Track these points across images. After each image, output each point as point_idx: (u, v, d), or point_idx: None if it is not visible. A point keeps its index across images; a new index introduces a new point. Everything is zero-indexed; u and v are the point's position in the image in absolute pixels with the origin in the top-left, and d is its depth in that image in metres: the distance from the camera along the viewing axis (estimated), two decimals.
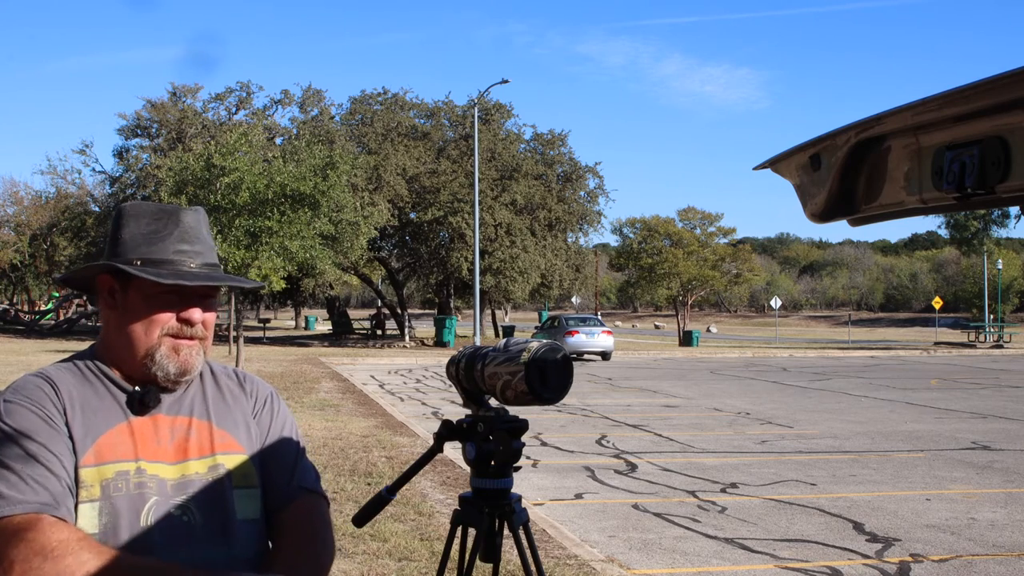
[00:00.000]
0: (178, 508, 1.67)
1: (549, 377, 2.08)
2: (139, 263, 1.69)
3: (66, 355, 1.84)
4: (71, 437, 1.63)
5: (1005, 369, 28.36)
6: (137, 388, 1.72)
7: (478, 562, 2.21)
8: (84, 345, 1.98)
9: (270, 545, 1.82)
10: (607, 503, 8.28)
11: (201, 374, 1.83)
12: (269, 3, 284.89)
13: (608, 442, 11.93)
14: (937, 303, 50.33)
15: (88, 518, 1.61)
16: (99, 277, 1.75)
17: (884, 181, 1.38)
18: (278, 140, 39.69)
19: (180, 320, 1.71)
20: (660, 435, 12.65)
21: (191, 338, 1.73)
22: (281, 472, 1.85)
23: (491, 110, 41.18)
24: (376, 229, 33.66)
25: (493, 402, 2.21)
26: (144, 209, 1.75)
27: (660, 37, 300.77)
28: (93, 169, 61.18)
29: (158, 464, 1.69)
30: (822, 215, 1.48)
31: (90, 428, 1.66)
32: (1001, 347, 42.95)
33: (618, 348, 34.82)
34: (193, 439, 1.74)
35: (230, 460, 1.76)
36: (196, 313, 1.72)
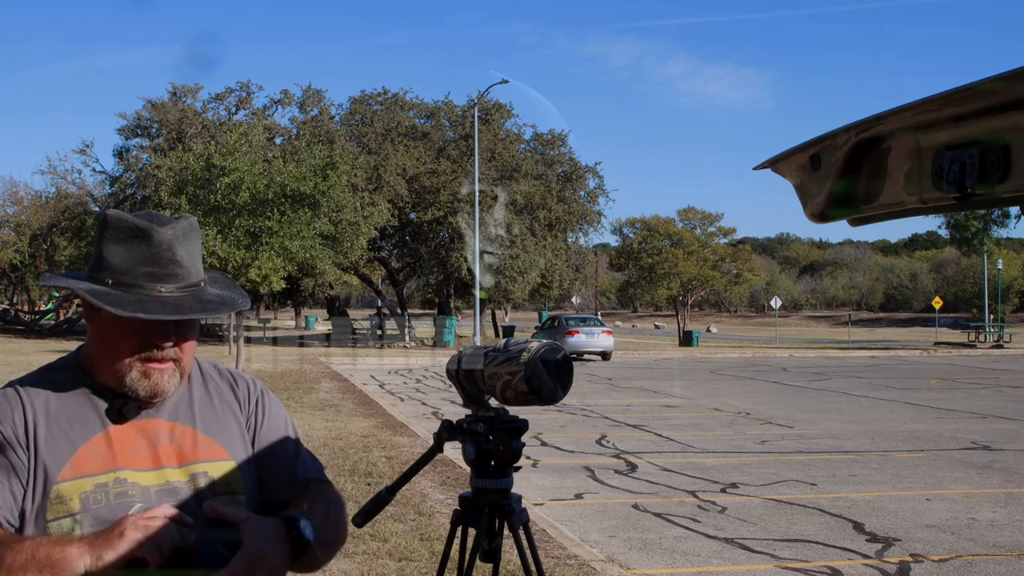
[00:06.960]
0: None
1: (549, 377, 2.08)
2: (111, 283, 1.65)
3: (63, 355, 1.82)
4: (36, 454, 1.62)
5: (1005, 369, 28.36)
6: (117, 399, 1.69)
7: (478, 562, 2.21)
8: None
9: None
10: (607, 503, 8.28)
11: (190, 376, 1.79)
12: (269, 3, 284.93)
13: (608, 442, 11.93)
14: (937, 303, 50.33)
15: (68, 532, 1.60)
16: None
17: (884, 181, 1.38)
18: (278, 140, 39.70)
19: (150, 344, 1.66)
20: (660, 435, 12.65)
21: (163, 360, 1.67)
22: (284, 469, 1.84)
23: (491, 110, 41.14)
24: (376, 229, 33.68)
25: (493, 402, 2.21)
26: (122, 224, 1.68)
27: (665, 38, 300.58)
28: (93, 169, 61.25)
29: (140, 472, 1.67)
30: (822, 215, 1.48)
31: (67, 441, 1.65)
32: (1001, 347, 42.95)
33: (618, 348, 34.82)
34: (174, 446, 1.72)
35: (213, 467, 1.74)
36: (165, 341, 1.66)
